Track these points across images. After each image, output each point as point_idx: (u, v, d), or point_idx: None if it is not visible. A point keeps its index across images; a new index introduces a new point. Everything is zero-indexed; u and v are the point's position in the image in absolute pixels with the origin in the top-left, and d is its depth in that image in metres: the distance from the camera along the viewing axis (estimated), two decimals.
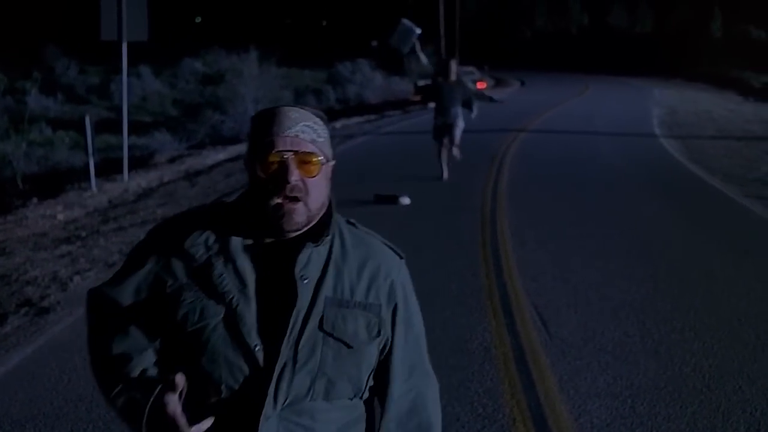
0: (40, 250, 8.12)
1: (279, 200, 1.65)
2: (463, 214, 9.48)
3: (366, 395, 1.75)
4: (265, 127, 1.68)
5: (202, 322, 1.63)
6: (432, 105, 12.36)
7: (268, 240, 1.70)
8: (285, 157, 1.65)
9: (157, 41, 19.06)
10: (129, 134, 13.52)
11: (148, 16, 12.34)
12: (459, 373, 4.74)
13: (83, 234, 8.84)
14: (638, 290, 6.45)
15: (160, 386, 1.58)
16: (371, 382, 1.75)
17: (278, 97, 23.74)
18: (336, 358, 1.66)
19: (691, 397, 4.45)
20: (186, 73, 33.56)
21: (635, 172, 13.17)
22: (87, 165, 11.82)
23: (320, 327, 1.65)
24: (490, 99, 16.56)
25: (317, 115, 1.73)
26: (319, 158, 1.69)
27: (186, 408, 1.57)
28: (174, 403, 1.56)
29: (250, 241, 1.69)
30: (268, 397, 1.60)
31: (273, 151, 1.65)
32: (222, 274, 1.66)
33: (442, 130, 11.64)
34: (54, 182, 12.70)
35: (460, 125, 11.64)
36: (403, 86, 33.25)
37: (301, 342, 1.63)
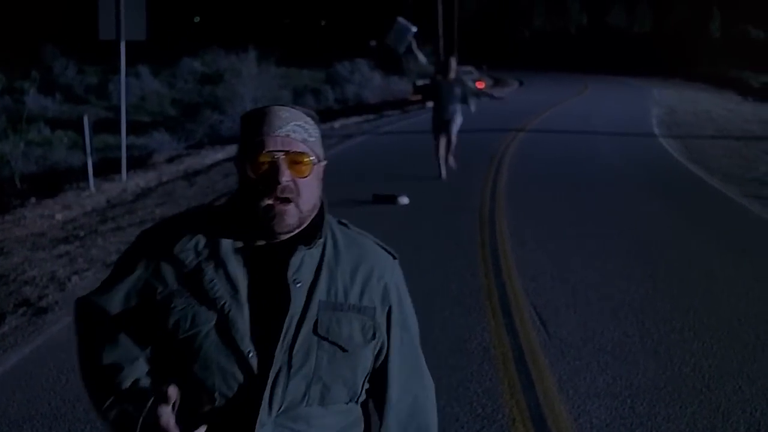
0: (38, 250, 8.10)
1: (270, 201, 1.62)
2: (462, 214, 9.47)
3: (362, 398, 1.73)
4: (255, 126, 1.65)
5: (193, 329, 1.60)
6: (430, 104, 12.40)
7: (259, 243, 1.67)
8: (276, 157, 1.62)
9: (156, 41, 19.07)
10: (127, 134, 13.50)
11: (146, 15, 12.34)
12: (458, 374, 4.73)
13: (81, 234, 8.83)
14: (637, 290, 6.45)
15: (152, 398, 1.55)
16: (367, 386, 1.73)
17: (277, 96, 23.75)
18: (331, 362, 1.63)
19: (690, 398, 4.44)
20: (185, 73, 33.55)
21: (634, 171, 13.17)
22: (85, 165, 11.81)
23: (314, 331, 1.62)
24: (491, 96, 16.53)
25: (308, 115, 1.70)
26: (311, 158, 1.66)
27: (179, 419, 1.55)
28: (167, 416, 1.53)
29: (240, 244, 1.66)
30: (262, 404, 1.58)
31: (263, 152, 1.62)
32: (213, 280, 1.62)
33: (441, 126, 11.71)
34: (52, 182, 12.68)
35: (457, 122, 11.73)
36: (401, 86, 33.23)
37: (296, 347, 1.60)
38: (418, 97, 18.72)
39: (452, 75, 11.81)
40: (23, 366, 5.05)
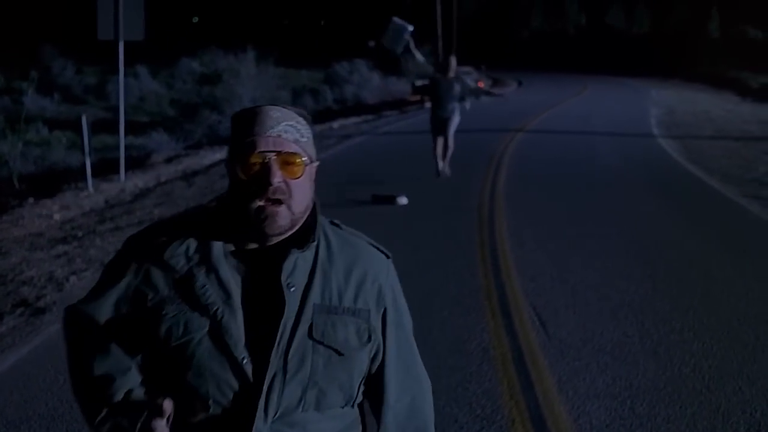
0: (36, 250, 8.09)
1: (261, 203, 1.58)
2: (461, 214, 9.46)
3: (358, 401, 1.71)
4: (246, 127, 1.61)
5: (186, 336, 1.57)
6: (429, 105, 12.44)
7: (251, 246, 1.64)
8: (267, 158, 1.59)
9: (155, 41, 19.06)
10: (126, 134, 13.48)
11: (145, 15, 12.34)
12: (457, 374, 4.71)
13: (80, 234, 8.81)
14: (637, 290, 6.44)
15: (147, 412, 1.53)
16: (363, 389, 1.71)
17: (275, 97, 23.73)
18: (327, 367, 1.61)
19: (690, 398, 4.43)
20: (183, 73, 33.49)
21: (634, 172, 13.17)
22: (84, 165, 11.79)
23: (310, 335, 1.60)
24: (491, 94, 16.60)
25: (300, 115, 1.67)
26: (303, 159, 1.62)
27: (174, 431, 1.53)
28: (162, 429, 1.51)
29: (232, 248, 1.63)
30: (258, 411, 1.55)
31: (255, 152, 1.59)
32: (205, 285, 1.59)
33: (438, 124, 11.73)
34: (50, 182, 12.66)
35: (455, 121, 11.77)
36: (400, 86, 33.18)
37: (291, 352, 1.58)
38: (417, 97, 18.77)
39: (452, 73, 11.85)
40: (21, 366, 5.04)
